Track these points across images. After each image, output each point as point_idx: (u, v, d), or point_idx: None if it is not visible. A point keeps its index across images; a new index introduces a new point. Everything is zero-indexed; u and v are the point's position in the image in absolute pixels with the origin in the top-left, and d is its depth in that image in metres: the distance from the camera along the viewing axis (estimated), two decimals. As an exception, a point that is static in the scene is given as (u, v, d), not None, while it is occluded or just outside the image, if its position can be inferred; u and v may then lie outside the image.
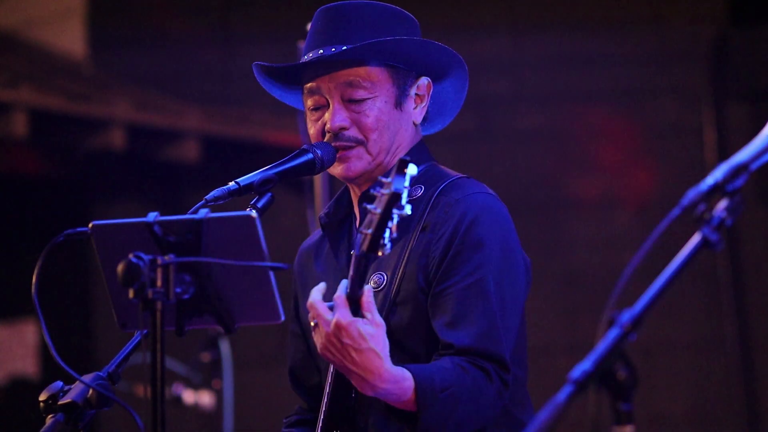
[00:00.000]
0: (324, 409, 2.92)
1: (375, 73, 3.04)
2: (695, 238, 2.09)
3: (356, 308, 2.73)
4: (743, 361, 7.80)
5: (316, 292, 2.78)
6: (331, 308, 2.76)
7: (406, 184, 2.63)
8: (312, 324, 2.78)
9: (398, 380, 2.76)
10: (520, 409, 3.02)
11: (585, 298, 7.89)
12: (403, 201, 2.62)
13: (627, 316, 2.01)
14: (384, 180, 2.62)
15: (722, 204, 2.11)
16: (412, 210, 2.69)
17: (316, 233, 3.29)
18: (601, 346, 1.99)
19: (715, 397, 7.81)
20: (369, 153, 3.04)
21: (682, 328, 7.80)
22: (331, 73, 3.05)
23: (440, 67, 3.13)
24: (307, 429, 3.22)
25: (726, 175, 2.13)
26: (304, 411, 3.26)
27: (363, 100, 3.03)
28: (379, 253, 2.64)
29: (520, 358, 3.04)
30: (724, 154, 7.48)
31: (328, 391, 2.92)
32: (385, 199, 2.61)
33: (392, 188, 2.61)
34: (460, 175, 3.09)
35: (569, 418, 1.95)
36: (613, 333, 2.00)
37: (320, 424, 2.93)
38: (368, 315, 2.73)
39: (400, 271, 2.95)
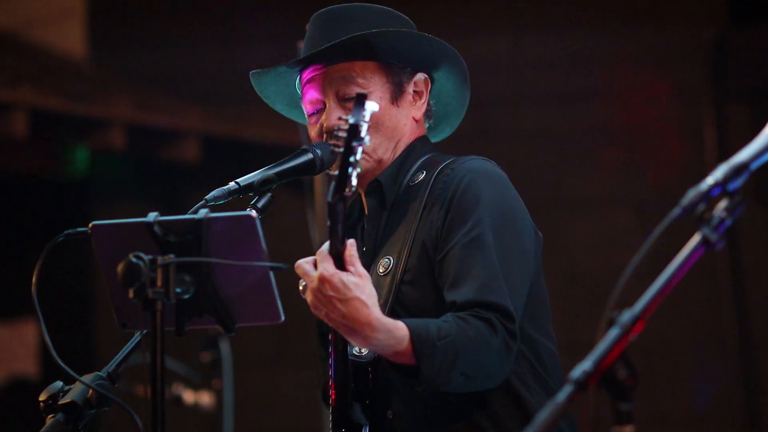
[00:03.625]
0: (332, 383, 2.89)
1: (368, 68, 3.04)
2: (695, 238, 2.09)
3: (340, 263, 2.69)
4: (743, 361, 7.79)
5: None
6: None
7: (367, 118, 2.59)
8: (300, 287, 2.76)
9: (390, 329, 2.72)
10: (555, 379, 3.01)
11: (585, 298, 7.88)
12: (363, 132, 2.58)
13: (627, 316, 2.01)
14: (343, 118, 2.59)
15: (722, 204, 2.11)
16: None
17: None
18: (601, 346, 1.99)
19: (715, 397, 7.81)
20: (365, 151, 3.03)
21: (682, 328, 7.79)
22: (326, 71, 3.06)
23: (433, 61, 3.12)
24: None
25: (726, 175, 2.13)
26: None
27: None
28: (347, 191, 2.61)
29: (545, 329, 3.02)
30: (724, 154, 7.47)
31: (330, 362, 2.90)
32: (344, 134, 2.58)
33: (350, 121, 2.57)
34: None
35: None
36: (613, 333, 2.00)
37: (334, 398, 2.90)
38: (351, 269, 2.69)
39: (406, 251, 2.94)
